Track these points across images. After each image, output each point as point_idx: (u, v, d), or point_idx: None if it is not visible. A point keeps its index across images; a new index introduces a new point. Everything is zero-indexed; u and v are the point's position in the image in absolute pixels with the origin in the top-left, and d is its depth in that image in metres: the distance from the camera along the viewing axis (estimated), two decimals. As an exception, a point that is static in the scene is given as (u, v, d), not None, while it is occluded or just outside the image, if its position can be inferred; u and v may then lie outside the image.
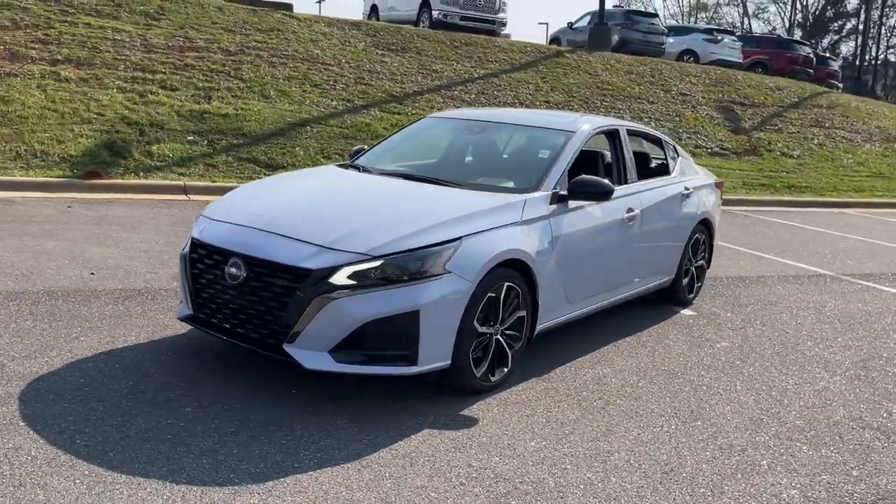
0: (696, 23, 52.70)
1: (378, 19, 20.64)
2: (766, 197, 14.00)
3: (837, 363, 5.07)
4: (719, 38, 23.43)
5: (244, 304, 3.70)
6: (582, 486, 3.14)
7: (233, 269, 3.71)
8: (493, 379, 4.05)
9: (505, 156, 5.14)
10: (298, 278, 3.55)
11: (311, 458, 3.17)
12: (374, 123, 12.62)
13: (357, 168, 4.98)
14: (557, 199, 4.49)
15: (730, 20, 55.62)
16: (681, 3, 56.32)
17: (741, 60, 23.45)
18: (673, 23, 46.91)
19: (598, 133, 5.20)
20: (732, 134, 17.07)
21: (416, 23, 18.83)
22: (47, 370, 3.83)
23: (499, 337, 4.05)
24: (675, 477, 3.29)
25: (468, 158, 5.15)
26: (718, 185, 6.74)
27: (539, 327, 4.43)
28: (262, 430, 3.37)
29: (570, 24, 23.07)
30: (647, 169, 5.89)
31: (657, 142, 6.10)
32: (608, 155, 5.37)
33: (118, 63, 12.25)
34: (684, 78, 19.10)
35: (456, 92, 14.86)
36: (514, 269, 4.06)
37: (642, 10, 24.87)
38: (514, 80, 16.08)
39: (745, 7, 59.58)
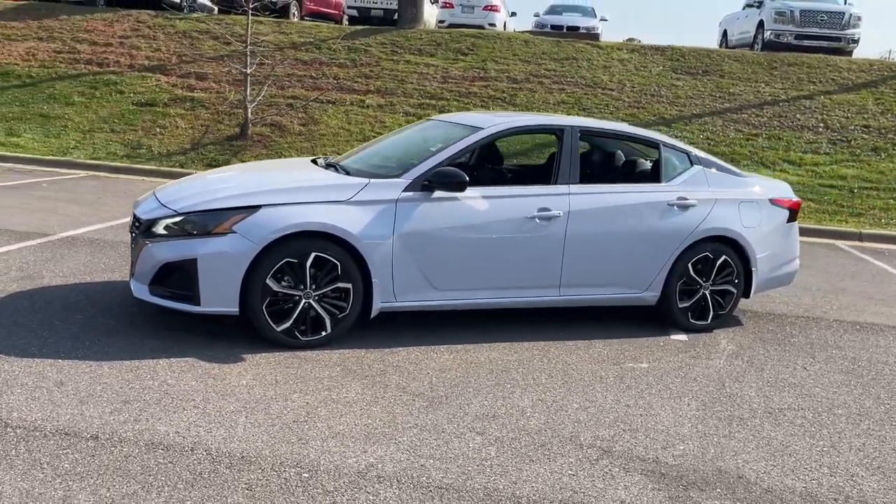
0: None
1: (727, 46, 19.90)
2: None
3: (743, 404, 4.27)
4: None
5: (132, 249, 4.96)
6: (204, 416, 3.67)
7: (132, 224, 5.00)
8: (302, 338, 4.61)
9: (418, 149, 5.43)
10: (138, 227, 4.69)
11: (88, 353, 4.27)
12: (625, 145, 12.65)
13: (317, 161, 5.81)
14: (420, 187, 4.79)
15: None
16: None
17: None
18: None
19: (515, 132, 5.22)
20: None
21: (751, 45, 17.75)
22: (56, 284, 5.57)
23: (311, 302, 4.59)
24: (297, 426, 3.58)
25: (399, 152, 5.56)
26: (782, 203, 5.79)
27: (385, 305, 4.80)
28: (95, 335, 4.57)
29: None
30: (616, 173, 5.52)
31: (654, 146, 5.61)
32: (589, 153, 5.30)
33: (415, 92, 14.46)
34: None
35: (745, 115, 13.88)
36: (331, 243, 4.55)
37: None
38: (832, 101, 14.27)
39: None
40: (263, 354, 4.49)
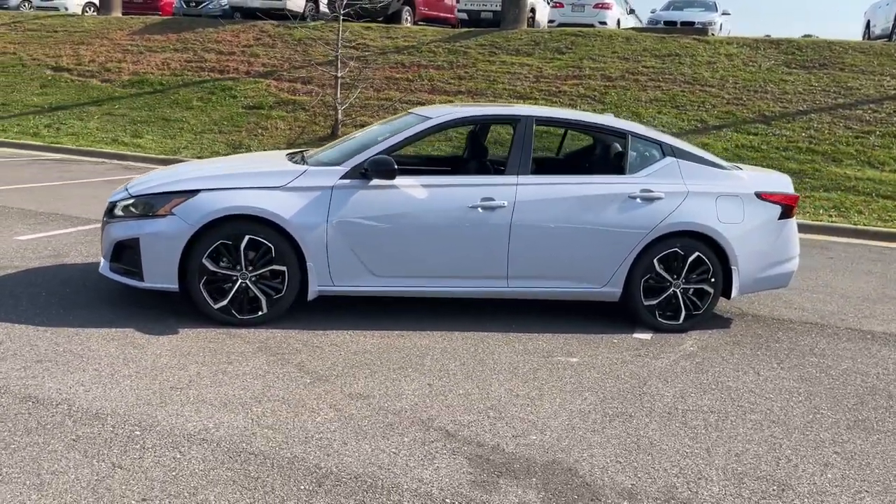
0: None
1: (870, 37, 18.33)
2: None
3: (646, 403, 4.04)
4: None
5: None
6: (95, 378, 4.00)
7: (110, 208, 5.49)
8: (239, 316, 4.86)
9: (374, 140, 5.50)
10: (106, 208, 5.15)
11: (45, 320, 4.76)
12: (714, 144, 12.03)
13: (302, 153, 6.04)
14: (359, 175, 4.91)
15: None
16: None
17: None
18: None
19: (464, 122, 5.21)
20: None
21: (889, 36, 16.23)
22: (74, 262, 6.19)
23: (248, 282, 4.84)
24: (171, 392, 3.82)
25: (359, 143, 5.65)
26: (772, 198, 5.34)
27: (323, 289, 4.96)
28: (66, 307, 5.08)
29: None
30: (577, 163, 5.32)
31: (621, 137, 5.35)
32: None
33: (505, 92, 14.48)
34: None
35: (859, 111, 12.74)
36: (264, 226, 4.78)
37: None
38: (967, 95, 12.77)
39: None
40: (199, 330, 4.78)
